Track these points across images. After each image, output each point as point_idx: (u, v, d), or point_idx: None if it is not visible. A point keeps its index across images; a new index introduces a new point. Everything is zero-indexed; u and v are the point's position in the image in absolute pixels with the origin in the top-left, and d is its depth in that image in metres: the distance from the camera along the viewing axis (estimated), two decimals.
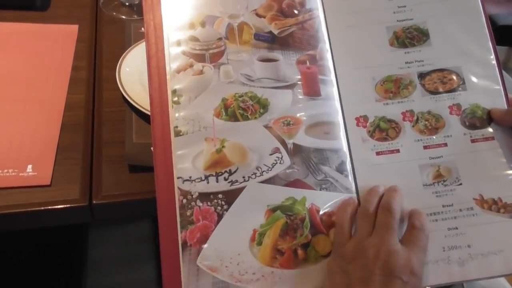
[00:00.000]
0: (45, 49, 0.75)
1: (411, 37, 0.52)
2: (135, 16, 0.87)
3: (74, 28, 0.80)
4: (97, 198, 0.56)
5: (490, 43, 0.52)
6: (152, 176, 0.43)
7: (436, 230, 0.45)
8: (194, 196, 0.43)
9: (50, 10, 0.85)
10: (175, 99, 0.45)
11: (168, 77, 0.46)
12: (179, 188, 0.43)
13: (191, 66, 0.46)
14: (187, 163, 0.44)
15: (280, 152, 0.45)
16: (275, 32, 0.49)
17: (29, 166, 0.57)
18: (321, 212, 0.44)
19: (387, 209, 0.43)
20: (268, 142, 0.46)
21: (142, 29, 0.80)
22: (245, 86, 0.47)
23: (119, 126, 0.63)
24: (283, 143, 0.46)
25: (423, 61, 0.51)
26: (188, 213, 0.42)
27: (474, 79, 0.51)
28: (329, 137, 0.47)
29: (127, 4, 0.88)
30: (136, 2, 0.88)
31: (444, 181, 0.47)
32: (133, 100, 0.63)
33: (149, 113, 0.45)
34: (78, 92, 0.69)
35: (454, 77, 0.51)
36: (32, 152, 0.59)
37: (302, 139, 0.46)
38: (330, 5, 0.52)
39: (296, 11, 0.50)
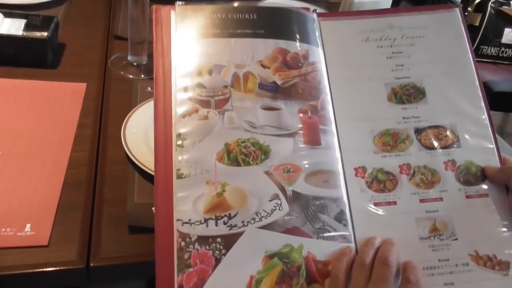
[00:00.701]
0: (52, 106, 0.76)
1: (408, 94, 0.54)
2: (143, 75, 0.89)
3: (82, 86, 0.82)
4: (95, 261, 0.54)
5: (483, 104, 0.54)
6: (152, 237, 0.43)
7: (432, 285, 0.45)
8: (192, 239, 0.43)
9: (60, 68, 0.87)
10: (179, 142, 0.46)
11: (173, 121, 0.47)
12: (178, 231, 0.43)
13: (196, 111, 0.48)
14: (188, 206, 0.44)
15: (279, 199, 0.46)
16: (279, 82, 0.51)
17: (28, 225, 0.55)
18: (317, 261, 0.44)
19: (384, 262, 0.43)
20: (268, 188, 0.46)
21: (149, 88, 0.82)
22: (248, 132, 0.48)
23: (121, 185, 0.63)
24: (283, 190, 0.46)
25: (419, 117, 0.53)
26: (185, 256, 0.42)
27: (468, 137, 0.52)
28: (328, 186, 0.48)
29: (135, 64, 0.92)
30: (144, 63, 0.92)
31: (440, 235, 0.48)
32: (137, 160, 0.63)
33: (152, 173, 0.45)
34: (82, 149, 0.69)
35: (449, 134, 0.52)
36: (32, 211, 0.58)
37: (302, 186, 0.47)
38: (332, 60, 0.54)
39: (299, 64, 0.52)
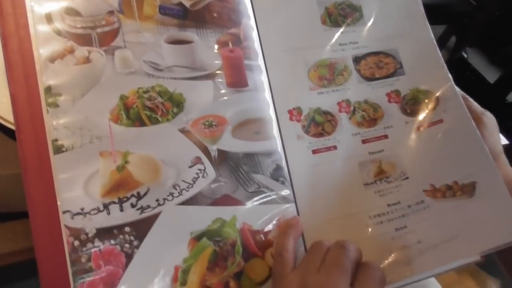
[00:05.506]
0: None
1: (343, 14, 0.45)
2: None
3: None
4: None
5: (427, 22, 0.47)
6: (28, 225, 0.30)
7: (382, 234, 0.40)
8: (90, 235, 0.31)
9: None
10: (51, 100, 0.32)
11: (37, 67, 0.32)
12: (66, 227, 0.31)
13: (71, 51, 0.33)
14: (77, 190, 0.32)
15: (202, 163, 0.36)
16: (187, 4, 0.38)
17: None
18: (255, 231, 0.36)
19: (342, 245, 0.35)
20: (186, 151, 0.35)
21: None
22: (151, 77, 0.36)
23: None
24: (206, 151, 0.36)
25: (357, 42, 0.45)
26: (83, 259, 0.31)
27: (412, 61, 0.46)
28: (260, 137, 0.39)
29: None
30: None
31: (387, 177, 0.43)
32: None
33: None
34: None
35: (391, 61, 0.45)
36: None
37: (229, 143, 0.37)
38: None
39: None
